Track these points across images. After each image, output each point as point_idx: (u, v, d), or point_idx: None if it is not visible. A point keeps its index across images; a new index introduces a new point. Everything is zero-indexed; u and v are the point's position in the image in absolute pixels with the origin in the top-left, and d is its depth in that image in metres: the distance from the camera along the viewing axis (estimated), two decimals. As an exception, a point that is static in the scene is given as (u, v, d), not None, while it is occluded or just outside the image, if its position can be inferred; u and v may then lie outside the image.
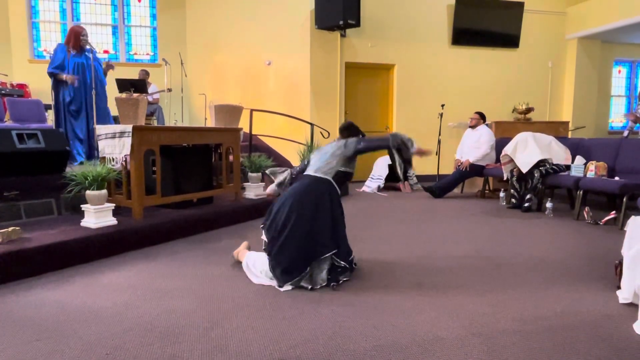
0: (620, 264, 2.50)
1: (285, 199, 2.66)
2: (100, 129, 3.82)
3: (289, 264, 2.54)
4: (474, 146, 6.22)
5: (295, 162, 6.15)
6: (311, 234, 2.56)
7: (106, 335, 1.97)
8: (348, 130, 2.96)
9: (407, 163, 2.77)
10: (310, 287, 2.55)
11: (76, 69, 4.76)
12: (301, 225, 2.56)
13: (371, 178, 6.93)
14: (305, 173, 2.83)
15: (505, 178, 5.47)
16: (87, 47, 4.79)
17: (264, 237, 2.70)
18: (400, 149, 2.74)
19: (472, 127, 6.38)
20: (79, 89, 4.76)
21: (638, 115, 6.94)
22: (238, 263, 2.95)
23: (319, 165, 2.77)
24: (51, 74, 4.76)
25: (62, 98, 4.78)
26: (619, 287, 2.47)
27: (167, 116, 7.66)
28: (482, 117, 6.39)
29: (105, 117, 4.94)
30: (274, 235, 2.61)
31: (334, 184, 2.73)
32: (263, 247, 2.74)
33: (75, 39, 4.78)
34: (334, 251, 2.59)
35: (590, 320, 2.16)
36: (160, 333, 1.99)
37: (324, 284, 2.57)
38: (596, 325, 2.10)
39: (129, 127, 3.56)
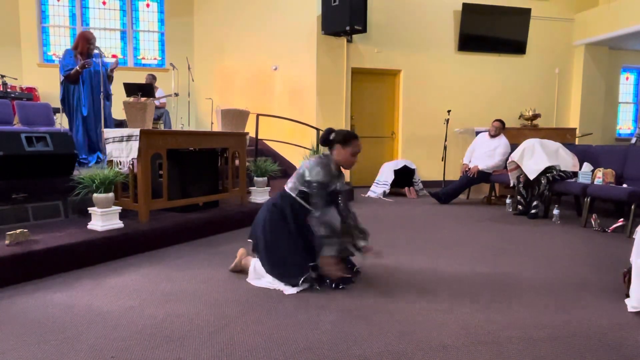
0: (629, 271, 2.47)
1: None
2: (108, 133, 3.84)
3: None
4: (488, 154, 6.01)
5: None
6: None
7: (112, 338, 1.97)
8: (325, 140, 2.72)
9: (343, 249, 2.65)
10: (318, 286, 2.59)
11: (84, 74, 4.79)
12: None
13: (377, 183, 6.91)
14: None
15: (512, 184, 5.44)
16: (96, 51, 4.82)
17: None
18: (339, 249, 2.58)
19: (493, 136, 6.09)
20: (87, 94, 4.79)
21: None
22: (245, 272, 2.84)
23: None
24: (64, 77, 4.78)
25: (72, 102, 4.81)
26: (627, 295, 2.45)
27: (173, 120, 7.71)
28: (502, 125, 6.12)
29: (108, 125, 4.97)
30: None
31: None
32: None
33: (83, 46, 4.82)
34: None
35: (598, 328, 2.13)
36: (165, 336, 1.99)
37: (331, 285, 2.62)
38: (604, 333, 2.08)
39: (136, 131, 3.58)
